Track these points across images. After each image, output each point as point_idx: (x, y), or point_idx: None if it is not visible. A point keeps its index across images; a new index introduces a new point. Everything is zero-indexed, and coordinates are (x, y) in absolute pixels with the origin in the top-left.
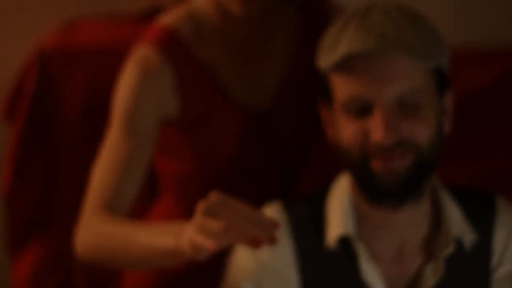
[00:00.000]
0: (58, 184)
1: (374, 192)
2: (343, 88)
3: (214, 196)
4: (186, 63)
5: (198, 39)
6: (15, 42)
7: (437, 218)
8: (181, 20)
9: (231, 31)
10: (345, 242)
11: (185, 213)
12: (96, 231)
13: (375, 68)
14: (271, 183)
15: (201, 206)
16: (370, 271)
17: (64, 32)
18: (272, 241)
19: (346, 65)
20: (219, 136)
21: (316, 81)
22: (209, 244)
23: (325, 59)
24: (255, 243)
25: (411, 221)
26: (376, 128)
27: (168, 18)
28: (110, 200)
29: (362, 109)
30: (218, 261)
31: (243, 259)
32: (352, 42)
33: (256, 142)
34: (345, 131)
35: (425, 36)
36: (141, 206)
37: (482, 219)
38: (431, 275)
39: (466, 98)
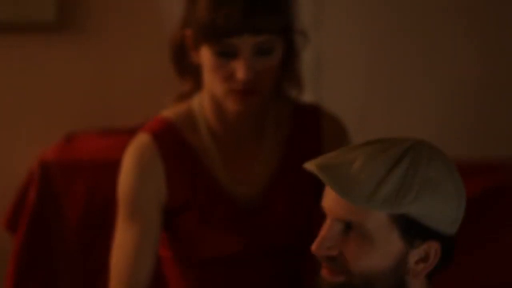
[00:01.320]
0: None
1: None
2: None
3: None
4: (177, 150)
5: (191, 131)
6: (18, 153)
7: None
8: (178, 113)
9: (224, 127)
10: None
11: None
12: None
13: None
14: (268, 270)
15: None
16: None
17: (64, 144)
18: None
19: None
20: (204, 223)
21: (305, 177)
22: None
23: None
24: None
25: None
26: None
27: (168, 112)
28: (129, 283)
29: None
30: None
31: None
32: None
33: (245, 233)
34: None
35: None
36: None
37: None
38: None
39: None
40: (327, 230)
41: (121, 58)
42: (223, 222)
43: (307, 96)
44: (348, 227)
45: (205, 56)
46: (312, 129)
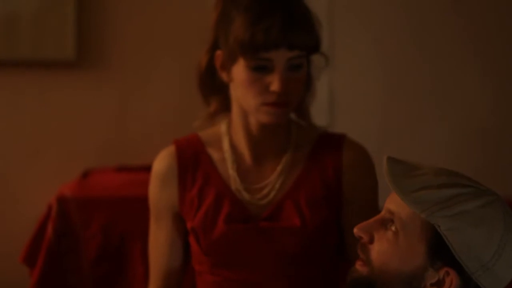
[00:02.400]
0: None
1: None
2: None
3: None
4: (195, 161)
5: (215, 145)
6: (37, 189)
7: None
8: (207, 131)
9: (246, 142)
10: None
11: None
12: None
13: None
14: (279, 278)
15: None
16: None
17: (81, 180)
18: None
19: None
20: (208, 226)
21: (319, 194)
22: None
23: None
24: None
25: None
26: None
27: (201, 131)
28: (163, 274)
29: None
30: None
31: None
32: None
33: (253, 238)
34: None
35: None
36: None
37: None
38: None
39: None
40: (376, 217)
41: (138, 95)
42: (228, 224)
43: None
44: (391, 220)
45: (239, 72)
46: (334, 151)
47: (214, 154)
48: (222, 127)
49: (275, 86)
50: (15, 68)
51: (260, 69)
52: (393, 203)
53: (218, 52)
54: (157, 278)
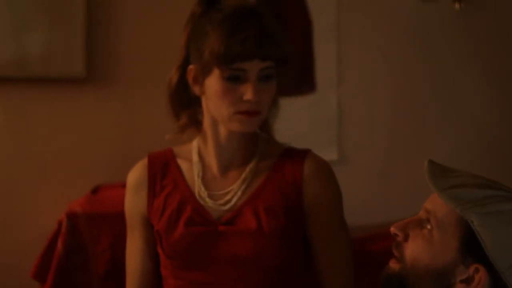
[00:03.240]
0: None
1: None
2: None
3: None
4: (164, 171)
5: (185, 157)
6: (47, 205)
7: None
8: (182, 145)
9: (215, 153)
10: None
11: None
12: None
13: None
14: (237, 280)
15: None
16: None
17: (91, 196)
18: None
19: None
20: (171, 230)
21: (278, 204)
22: None
23: None
24: None
25: None
26: None
27: None
28: (138, 282)
29: None
30: None
31: None
32: None
33: (212, 241)
34: None
35: None
36: None
37: None
38: None
39: None
40: (413, 217)
41: (147, 111)
42: (188, 227)
43: (330, 150)
44: (427, 220)
45: (213, 84)
46: (296, 164)
47: (183, 164)
48: (194, 141)
49: (248, 95)
50: (25, 85)
51: (234, 79)
52: (430, 203)
53: (191, 67)
54: (132, 286)
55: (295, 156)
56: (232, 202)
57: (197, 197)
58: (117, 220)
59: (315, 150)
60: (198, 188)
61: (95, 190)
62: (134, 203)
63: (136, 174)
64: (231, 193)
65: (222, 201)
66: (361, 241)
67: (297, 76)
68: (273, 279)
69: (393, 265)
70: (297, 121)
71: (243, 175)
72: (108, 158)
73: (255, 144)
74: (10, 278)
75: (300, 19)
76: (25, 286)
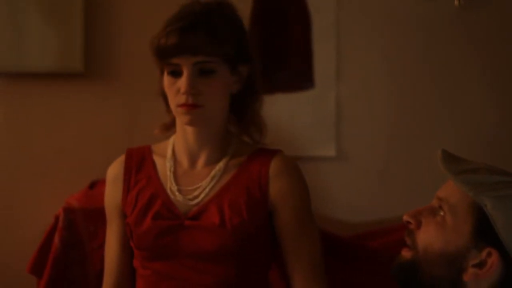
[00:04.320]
0: None
1: None
2: None
3: None
4: (140, 166)
5: (161, 154)
6: (44, 200)
7: None
8: (160, 142)
9: (185, 150)
10: None
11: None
12: None
13: None
14: (203, 274)
15: None
16: None
17: (88, 191)
18: None
19: None
20: (140, 222)
21: (243, 201)
22: None
23: None
24: None
25: None
26: None
27: None
28: (115, 274)
29: None
30: None
31: None
32: None
33: (178, 235)
34: None
35: None
36: None
37: None
38: None
39: None
40: (425, 206)
41: (145, 107)
42: (155, 220)
43: (328, 147)
44: (439, 207)
45: (164, 80)
46: (264, 162)
47: (158, 160)
48: (171, 138)
49: (181, 87)
50: (24, 80)
51: (174, 74)
52: (442, 191)
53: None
54: (109, 277)
55: (264, 155)
56: (199, 198)
57: (168, 191)
58: None
59: (313, 146)
60: (169, 182)
61: (92, 185)
62: (111, 196)
63: (113, 169)
64: (199, 189)
65: (190, 196)
66: (360, 238)
67: (296, 72)
68: (236, 273)
69: (405, 253)
70: (295, 118)
71: (212, 172)
72: (106, 154)
73: (227, 143)
74: (7, 273)
75: (300, 16)
76: (22, 281)
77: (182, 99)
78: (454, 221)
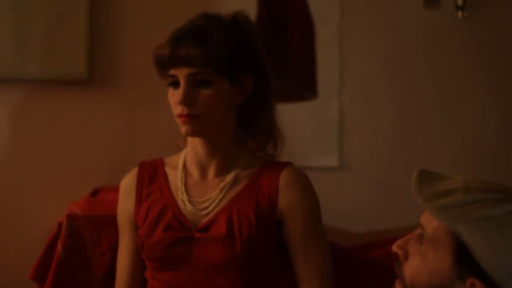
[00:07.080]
0: None
1: None
2: None
3: None
4: (152, 178)
5: (173, 166)
6: (47, 207)
7: None
8: (174, 155)
9: (196, 163)
10: None
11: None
12: None
13: None
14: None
15: None
16: None
17: (90, 198)
18: None
19: None
20: (151, 233)
21: (252, 213)
22: None
23: None
24: None
25: None
26: None
27: None
28: (126, 283)
29: None
30: None
31: None
32: None
33: (188, 246)
34: None
35: None
36: None
37: None
38: None
39: None
40: (413, 232)
41: (148, 113)
42: (166, 232)
43: (330, 156)
44: (422, 236)
45: (168, 91)
46: (274, 175)
47: (170, 172)
48: (184, 150)
49: (178, 98)
50: (27, 87)
51: (174, 85)
52: (423, 218)
53: None
54: (120, 286)
55: (274, 167)
56: (209, 209)
57: (179, 202)
58: (117, 223)
59: (316, 156)
60: (180, 193)
61: (95, 192)
62: (123, 208)
63: (126, 181)
64: (209, 200)
65: (200, 207)
66: (362, 248)
67: (299, 82)
68: (244, 285)
69: (397, 285)
70: (298, 127)
71: (221, 184)
72: (109, 160)
73: (238, 154)
74: (9, 279)
75: (303, 25)
76: (24, 287)
77: (178, 109)
78: (435, 252)
